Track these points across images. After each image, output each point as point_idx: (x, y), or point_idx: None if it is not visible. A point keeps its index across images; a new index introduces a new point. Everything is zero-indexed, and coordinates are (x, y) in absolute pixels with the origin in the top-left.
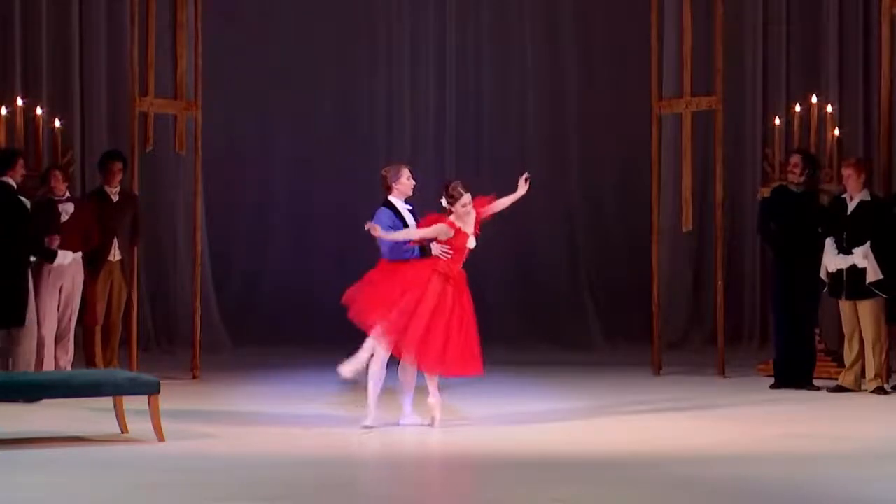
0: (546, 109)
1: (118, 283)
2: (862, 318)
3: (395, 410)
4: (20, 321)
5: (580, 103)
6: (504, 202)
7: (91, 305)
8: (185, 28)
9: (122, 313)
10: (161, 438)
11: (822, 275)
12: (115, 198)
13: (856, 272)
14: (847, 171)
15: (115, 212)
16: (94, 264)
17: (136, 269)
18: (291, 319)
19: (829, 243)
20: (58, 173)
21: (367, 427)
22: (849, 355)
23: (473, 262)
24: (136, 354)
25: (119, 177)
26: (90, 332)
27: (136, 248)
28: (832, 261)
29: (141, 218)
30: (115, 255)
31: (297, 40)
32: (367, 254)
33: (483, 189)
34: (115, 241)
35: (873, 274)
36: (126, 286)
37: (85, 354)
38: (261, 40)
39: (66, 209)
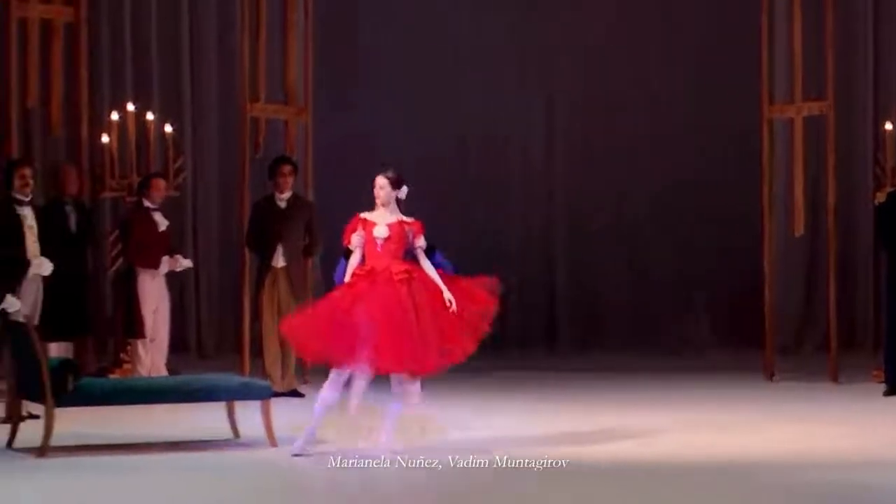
0: (654, 113)
1: (285, 290)
2: None
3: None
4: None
5: (690, 105)
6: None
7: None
8: (296, 30)
9: None
10: (273, 444)
11: None
12: (282, 204)
13: None
14: None
15: (280, 218)
16: (258, 271)
17: (308, 280)
18: None
19: None
20: (159, 182)
21: None
22: None
23: (588, 264)
24: (248, 360)
25: (289, 181)
26: (263, 338)
27: (310, 259)
28: None
29: (317, 226)
30: (278, 261)
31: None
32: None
33: (597, 192)
34: (280, 247)
35: None
36: (292, 295)
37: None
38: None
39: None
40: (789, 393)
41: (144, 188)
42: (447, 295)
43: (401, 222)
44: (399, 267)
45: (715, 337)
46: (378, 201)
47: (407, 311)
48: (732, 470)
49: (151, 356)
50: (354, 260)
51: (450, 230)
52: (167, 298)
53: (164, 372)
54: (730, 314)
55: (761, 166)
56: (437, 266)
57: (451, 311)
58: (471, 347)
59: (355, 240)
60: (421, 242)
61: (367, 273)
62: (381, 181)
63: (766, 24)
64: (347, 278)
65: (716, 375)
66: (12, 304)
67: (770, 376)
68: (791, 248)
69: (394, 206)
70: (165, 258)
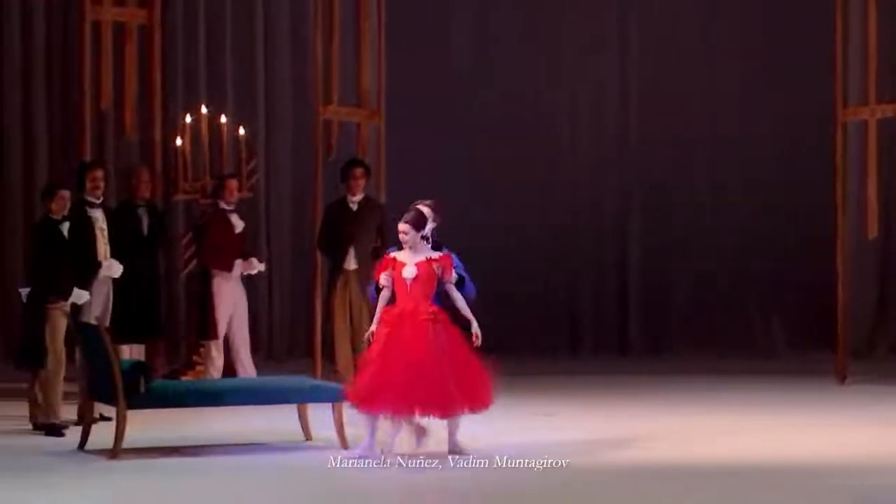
0: (728, 109)
1: (356, 293)
2: None
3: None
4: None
5: (760, 104)
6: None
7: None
8: (369, 33)
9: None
10: (345, 446)
11: None
12: (354, 207)
13: None
14: None
15: (352, 220)
16: (330, 274)
17: None
18: None
19: None
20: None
21: None
22: None
23: (658, 267)
24: (320, 363)
25: (361, 184)
26: (335, 340)
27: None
28: None
29: (386, 228)
30: (350, 264)
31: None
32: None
33: (668, 190)
34: (352, 250)
35: None
36: (364, 298)
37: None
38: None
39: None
40: (861, 396)
41: (219, 190)
42: (475, 328)
43: (429, 260)
44: (427, 308)
45: (786, 339)
46: (405, 246)
47: (433, 354)
48: (799, 473)
49: (240, 358)
50: (384, 298)
51: (517, 231)
52: (244, 300)
53: (254, 372)
54: (802, 316)
55: (834, 168)
56: (465, 297)
57: (475, 343)
58: (490, 394)
59: (384, 279)
60: (450, 277)
61: (395, 316)
62: (404, 227)
63: (841, 26)
64: (376, 318)
65: (787, 378)
66: (80, 296)
67: (842, 379)
68: (863, 249)
69: (421, 245)
70: (238, 261)
